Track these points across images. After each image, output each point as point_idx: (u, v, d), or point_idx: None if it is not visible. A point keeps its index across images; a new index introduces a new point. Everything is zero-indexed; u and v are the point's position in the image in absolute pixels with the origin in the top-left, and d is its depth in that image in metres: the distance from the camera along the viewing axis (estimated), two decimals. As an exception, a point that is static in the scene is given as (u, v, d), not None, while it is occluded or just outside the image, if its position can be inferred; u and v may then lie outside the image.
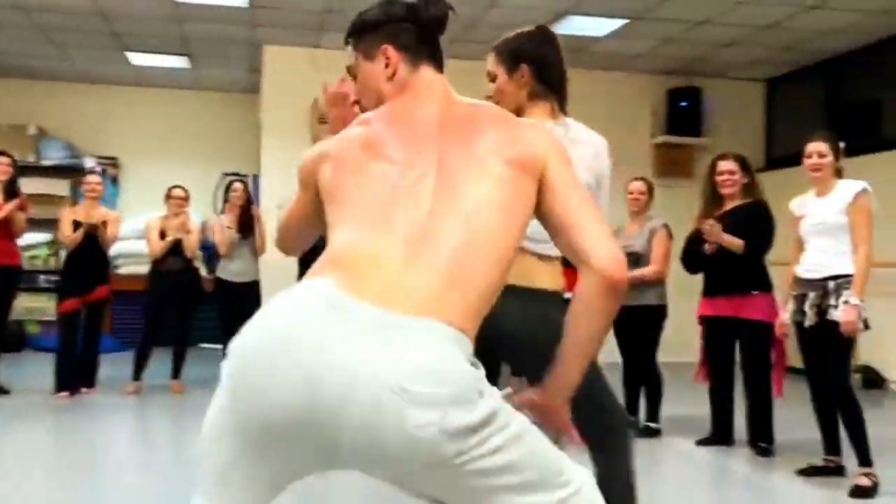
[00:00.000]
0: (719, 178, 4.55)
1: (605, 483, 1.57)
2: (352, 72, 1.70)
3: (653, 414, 4.95)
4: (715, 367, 4.71)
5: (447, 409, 1.22)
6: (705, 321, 4.71)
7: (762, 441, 4.49)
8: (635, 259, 4.81)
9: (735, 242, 4.37)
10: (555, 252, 2.02)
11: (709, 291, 4.67)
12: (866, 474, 3.74)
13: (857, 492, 3.70)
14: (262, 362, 1.27)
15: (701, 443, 4.71)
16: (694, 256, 4.70)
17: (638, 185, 5.06)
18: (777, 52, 7.77)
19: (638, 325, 4.81)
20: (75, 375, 5.92)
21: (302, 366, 1.24)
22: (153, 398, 6.02)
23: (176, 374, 6.26)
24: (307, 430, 1.25)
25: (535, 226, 1.52)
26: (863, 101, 7.92)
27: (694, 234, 4.64)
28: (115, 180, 9.42)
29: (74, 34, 7.51)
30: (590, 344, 1.47)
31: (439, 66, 1.61)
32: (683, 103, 8.47)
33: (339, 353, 1.24)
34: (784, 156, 8.63)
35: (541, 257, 2.12)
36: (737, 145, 8.80)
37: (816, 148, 3.95)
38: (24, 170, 6.81)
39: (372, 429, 1.22)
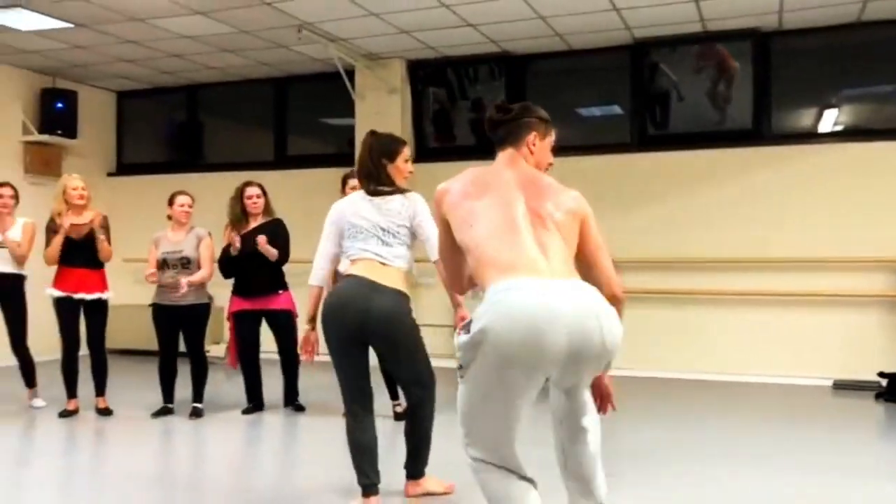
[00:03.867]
0: (248, 201, 5.72)
1: None
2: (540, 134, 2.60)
3: (198, 396, 5.70)
4: (245, 351, 5.80)
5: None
6: (237, 315, 5.77)
7: (297, 401, 5.87)
8: (186, 262, 5.52)
9: (271, 252, 5.59)
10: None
11: (240, 291, 5.76)
12: (398, 405, 5.56)
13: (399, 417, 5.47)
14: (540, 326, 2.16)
15: (246, 411, 5.77)
16: (229, 263, 5.72)
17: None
18: (151, 73, 8.70)
19: (191, 319, 5.56)
20: None
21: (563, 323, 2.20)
22: None
23: None
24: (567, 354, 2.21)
25: None
26: (213, 124, 9.57)
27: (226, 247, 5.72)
28: None
29: None
30: None
31: None
32: (60, 105, 8.58)
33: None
34: (133, 163, 9.63)
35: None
36: (96, 148, 9.43)
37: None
38: None
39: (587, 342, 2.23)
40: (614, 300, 2.40)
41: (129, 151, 9.75)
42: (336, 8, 6.49)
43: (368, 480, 3.41)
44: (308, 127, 9.10)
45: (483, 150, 7.95)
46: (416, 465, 3.65)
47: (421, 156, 8.46)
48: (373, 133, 3.61)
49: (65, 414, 5.67)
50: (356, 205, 3.55)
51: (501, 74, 8.05)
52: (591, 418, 2.51)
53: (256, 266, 5.63)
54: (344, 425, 3.47)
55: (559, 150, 2.76)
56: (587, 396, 2.51)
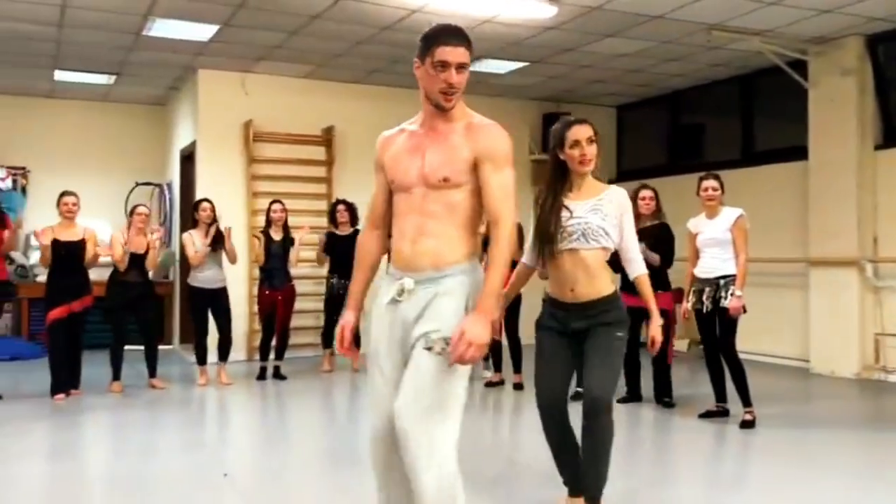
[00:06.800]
0: (641, 202, 5.93)
1: None
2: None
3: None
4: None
5: None
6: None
7: (665, 397, 6.09)
8: None
9: (653, 258, 5.75)
10: None
11: (625, 288, 6.18)
12: (749, 412, 5.41)
13: (745, 424, 5.35)
14: None
15: (620, 401, 6.23)
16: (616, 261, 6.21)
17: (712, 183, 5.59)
18: (631, 87, 9.52)
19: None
20: (68, 379, 6.49)
21: None
22: (135, 392, 6.72)
23: (152, 372, 6.97)
24: None
25: None
26: (693, 125, 9.92)
27: None
28: (24, 190, 9.62)
29: (9, 54, 7.77)
30: None
31: None
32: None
33: None
34: (631, 169, 10.51)
35: None
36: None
37: (711, 184, 5.52)
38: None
39: None
40: None
41: (629, 158, 10.72)
42: (729, 5, 6.41)
43: None
44: (765, 122, 8.76)
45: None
46: None
47: (889, 138, 7.47)
48: None
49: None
50: None
51: None
52: None
53: None
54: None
55: None
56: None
